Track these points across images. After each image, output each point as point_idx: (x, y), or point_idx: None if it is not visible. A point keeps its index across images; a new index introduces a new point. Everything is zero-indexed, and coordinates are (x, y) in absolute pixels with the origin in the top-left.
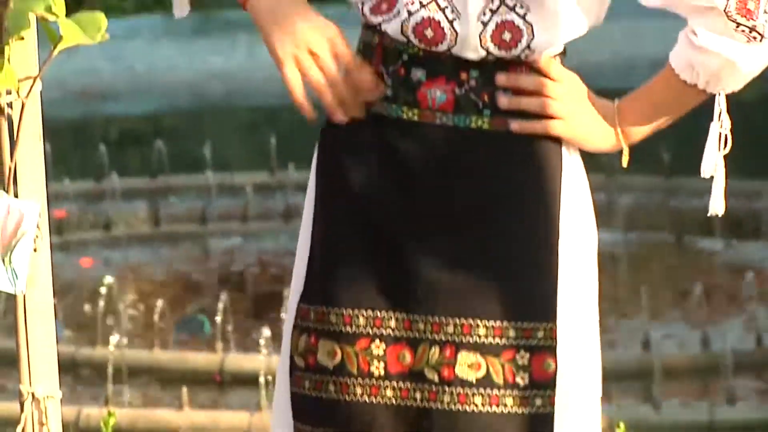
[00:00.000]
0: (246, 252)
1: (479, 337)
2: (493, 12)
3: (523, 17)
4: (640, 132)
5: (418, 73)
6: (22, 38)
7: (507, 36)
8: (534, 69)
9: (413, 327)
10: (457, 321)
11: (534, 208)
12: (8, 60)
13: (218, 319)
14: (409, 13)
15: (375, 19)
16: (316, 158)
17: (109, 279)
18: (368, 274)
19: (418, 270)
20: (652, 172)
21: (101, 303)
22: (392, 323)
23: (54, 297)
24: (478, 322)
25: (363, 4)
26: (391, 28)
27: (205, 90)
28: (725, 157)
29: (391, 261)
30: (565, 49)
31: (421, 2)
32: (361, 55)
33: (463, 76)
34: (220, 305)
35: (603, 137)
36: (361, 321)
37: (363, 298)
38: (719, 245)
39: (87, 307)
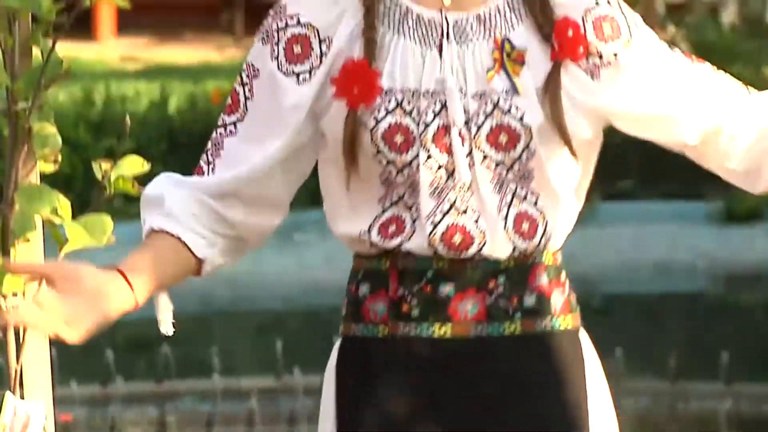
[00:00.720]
0: None
1: None
2: (509, 205)
3: (535, 204)
4: None
5: (446, 289)
6: (28, 240)
7: (525, 226)
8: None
9: None
10: None
11: (566, 401)
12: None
13: None
14: (434, 225)
15: (390, 243)
16: (336, 374)
17: None
18: None
19: None
20: (658, 377)
21: None
22: None
23: None
24: None
25: (367, 233)
26: (415, 244)
27: (211, 296)
28: None
29: None
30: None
31: (442, 212)
32: (367, 284)
33: (492, 284)
34: None
35: None
36: None
37: None
38: None
39: None
